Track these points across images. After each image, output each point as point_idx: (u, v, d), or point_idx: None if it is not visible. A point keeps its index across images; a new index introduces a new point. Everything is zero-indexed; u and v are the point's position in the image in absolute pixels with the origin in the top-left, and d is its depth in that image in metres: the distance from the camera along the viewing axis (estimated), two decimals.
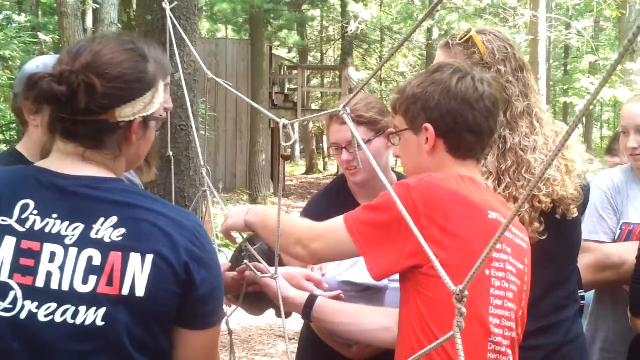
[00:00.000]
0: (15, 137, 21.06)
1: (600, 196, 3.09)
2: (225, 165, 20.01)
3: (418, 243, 1.71)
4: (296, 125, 2.57)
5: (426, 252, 1.36)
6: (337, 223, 1.95)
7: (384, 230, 1.85)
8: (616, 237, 3.07)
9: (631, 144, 3.01)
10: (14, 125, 21.02)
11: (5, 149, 21.42)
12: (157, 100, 1.70)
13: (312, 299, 2.21)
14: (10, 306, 1.50)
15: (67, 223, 1.55)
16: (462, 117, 1.93)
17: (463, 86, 1.93)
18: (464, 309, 1.16)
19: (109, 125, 1.60)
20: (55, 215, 1.55)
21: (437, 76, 1.96)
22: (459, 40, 2.39)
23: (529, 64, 2.41)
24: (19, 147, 1.91)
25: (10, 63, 16.24)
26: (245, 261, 2.32)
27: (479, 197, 1.88)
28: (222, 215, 10.11)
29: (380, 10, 25.66)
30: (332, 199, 2.79)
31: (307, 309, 2.20)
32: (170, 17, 3.49)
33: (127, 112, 1.61)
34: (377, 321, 2.14)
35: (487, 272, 1.83)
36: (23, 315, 1.50)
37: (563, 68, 34.95)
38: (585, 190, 2.41)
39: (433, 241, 1.73)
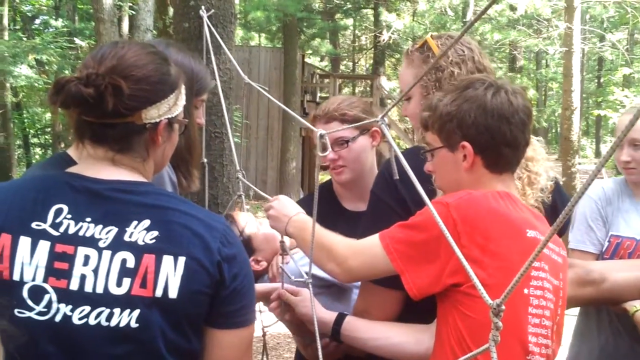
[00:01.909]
0: (50, 140, 21.36)
1: (590, 206, 3.05)
2: (255, 172, 20.08)
3: (458, 261, 1.71)
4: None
5: (466, 270, 1.35)
6: (373, 241, 1.93)
7: (422, 249, 1.83)
8: (604, 249, 3.02)
9: (624, 158, 2.98)
10: (49, 129, 21.34)
11: (40, 152, 21.76)
12: (180, 103, 1.73)
13: (340, 317, 2.22)
14: (45, 309, 1.52)
15: (100, 226, 1.56)
16: (500, 133, 1.91)
17: (498, 101, 1.91)
18: (500, 323, 1.17)
19: (136, 127, 1.63)
20: (88, 219, 1.57)
21: (469, 93, 1.94)
22: (417, 46, 2.35)
23: (492, 68, 2.32)
24: (70, 151, 1.90)
25: (47, 67, 16.50)
26: (281, 265, 2.36)
27: (517, 215, 1.87)
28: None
29: (413, 20, 25.67)
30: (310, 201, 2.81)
31: (336, 326, 2.20)
32: (207, 25, 3.52)
33: (153, 114, 1.63)
34: (407, 333, 2.13)
35: (525, 290, 1.82)
36: (58, 318, 1.52)
37: (596, 80, 34.70)
38: (557, 197, 2.26)
39: (473, 260, 1.72)
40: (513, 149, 1.95)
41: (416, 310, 2.02)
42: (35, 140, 22.41)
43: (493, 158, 1.94)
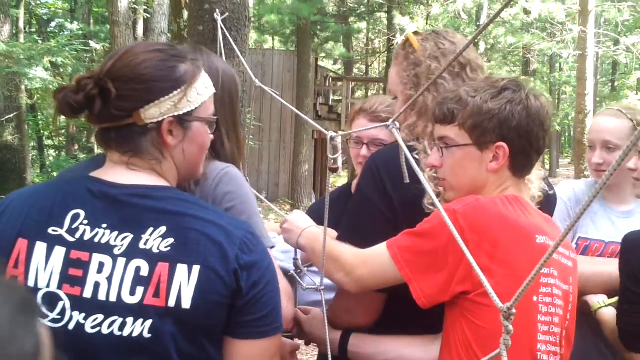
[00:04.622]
0: (64, 142, 21.46)
1: (559, 207, 2.90)
2: (268, 174, 20.08)
3: (466, 269, 1.72)
4: (339, 137, 2.61)
5: (477, 276, 1.35)
6: (381, 250, 1.91)
7: (430, 257, 1.80)
8: None
9: (596, 160, 2.90)
10: (63, 131, 21.43)
11: (54, 154, 21.86)
12: (193, 99, 1.65)
13: (346, 333, 2.21)
14: (59, 317, 1.49)
15: (116, 233, 1.53)
16: (536, 139, 1.90)
17: (538, 106, 1.90)
18: (511, 327, 1.16)
19: (138, 128, 1.59)
20: (104, 225, 1.54)
21: (508, 94, 1.88)
22: (401, 44, 2.32)
23: (480, 63, 2.22)
24: None
25: (62, 70, 16.55)
26: (294, 274, 2.37)
27: (526, 221, 1.83)
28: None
29: (427, 24, 25.57)
30: (332, 200, 2.82)
31: (343, 342, 2.20)
32: (222, 28, 3.53)
33: (154, 113, 1.59)
34: (415, 345, 2.11)
35: (534, 298, 1.80)
36: (71, 326, 1.49)
37: (610, 84, 34.54)
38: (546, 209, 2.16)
39: (481, 268, 1.70)
40: (538, 156, 1.95)
41: (422, 320, 2.00)
42: (49, 142, 22.52)
43: (522, 162, 1.92)
